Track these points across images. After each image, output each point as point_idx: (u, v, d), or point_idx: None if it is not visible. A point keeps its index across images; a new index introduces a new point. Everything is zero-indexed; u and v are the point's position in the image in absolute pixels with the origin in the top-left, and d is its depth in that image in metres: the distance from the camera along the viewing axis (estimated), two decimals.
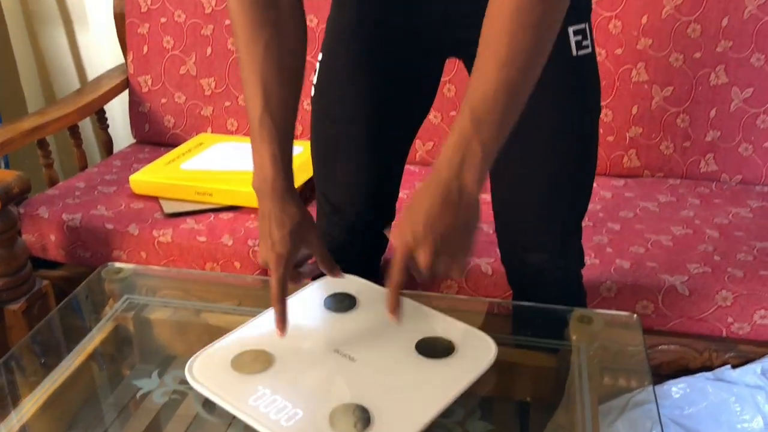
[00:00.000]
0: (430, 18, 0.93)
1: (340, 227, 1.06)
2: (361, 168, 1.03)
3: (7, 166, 1.93)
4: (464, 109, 0.72)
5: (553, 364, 0.95)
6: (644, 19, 1.56)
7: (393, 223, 1.04)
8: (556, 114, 0.91)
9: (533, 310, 1.03)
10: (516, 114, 0.72)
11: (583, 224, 1.03)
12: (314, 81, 1.02)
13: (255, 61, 0.84)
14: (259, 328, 0.91)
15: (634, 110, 1.61)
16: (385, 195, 1.09)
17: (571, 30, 0.88)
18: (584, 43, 0.90)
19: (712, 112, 1.59)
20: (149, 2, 1.82)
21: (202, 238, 1.43)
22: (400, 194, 1.11)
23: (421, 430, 0.76)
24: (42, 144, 1.65)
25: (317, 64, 1.01)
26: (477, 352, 0.88)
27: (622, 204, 1.53)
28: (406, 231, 0.73)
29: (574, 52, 0.89)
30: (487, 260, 1.31)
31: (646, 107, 1.61)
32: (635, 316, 0.98)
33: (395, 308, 0.78)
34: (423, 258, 0.73)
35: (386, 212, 1.11)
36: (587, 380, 0.90)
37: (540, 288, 1.04)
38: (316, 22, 1.71)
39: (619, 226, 1.44)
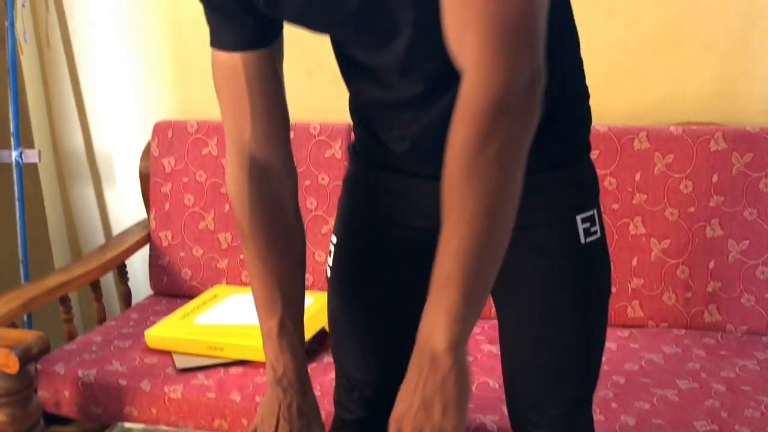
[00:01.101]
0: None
1: (358, 403, 1.06)
2: (378, 347, 1.04)
3: (29, 320, 2.00)
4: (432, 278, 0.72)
5: None
6: (638, 177, 1.64)
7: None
8: (566, 302, 0.92)
9: None
10: (487, 268, 0.70)
11: None
12: (330, 263, 1.05)
13: (272, 270, 0.91)
14: None
15: (634, 262, 1.66)
16: (403, 371, 1.12)
17: (579, 218, 0.90)
18: (593, 229, 0.91)
19: (711, 264, 1.63)
20: (173, 164, 1.95)
21: (211, 394, 1.45)
22: None
23: None
24: (64, 300, 1.72)
25: (331, 246, 1.05)
26: None
27: (627, 356, 1.54)
28: (395, 411, 0.75)
29: (583, 240, 0.90)
30: (492, 417, 1.31)
31: (646, 259, 1.65)
32: None
33: None
34: (408, 430, 0.72)
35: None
36: None
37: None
38: (327, 180, 1.82)
39: (624, 380, 1.44)
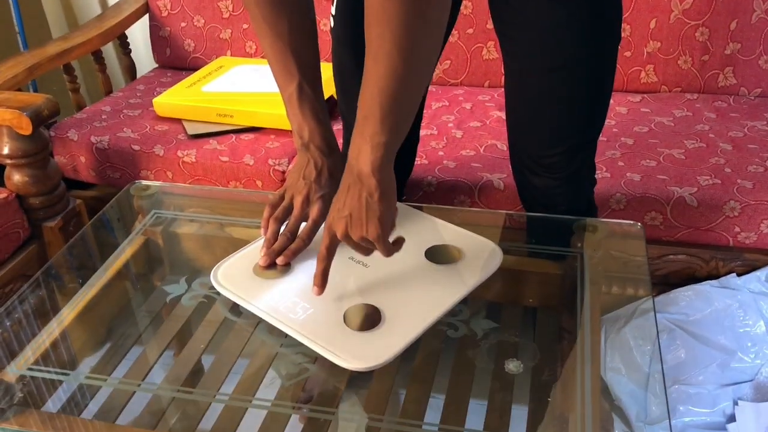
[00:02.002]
0: None
1: None
2: None
3: (34, 90, 1.99)
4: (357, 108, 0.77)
5: (559, 271, 1.00)
6: None
7: None
8: (577, 37, 0.91)
9: (541, 220, 1.07)
10: (405, 103, 0.75)
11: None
12: (332, 11, 1.03)
13: (282, 36, 0.89)
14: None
15: (653, 24, 1.60)
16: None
17: None
18: None
19: (733, 24, 1.57)
20: None
21: (225, 158, 1.47)
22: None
23: (427, 327, 0.82)
24: (68, 69, 1.70)
25: None
26: (483, 258, 0.93)
27: (637, 119, 1.53)
28: (329, 217, 0.83)
29: None
30: (500, 176, 1.34)
31: (665, 21, 1.59)
32: (639, 225, 1.02)
33: (320, 280, 0.84)
34: (339, 233, 0.81)
35: (410, 134, 1.14)
36: (590, 286, 0.94)
37: (550, 207, 1.06)
38: None
39: (632, 141, 1.45)
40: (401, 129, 0.77)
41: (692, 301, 1.28)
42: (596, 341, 0.85)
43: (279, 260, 0.90)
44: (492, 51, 1.69)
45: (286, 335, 0.82)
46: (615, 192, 1.30)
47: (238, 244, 0.97)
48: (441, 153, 1.43)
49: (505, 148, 1.42)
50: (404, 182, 1.22)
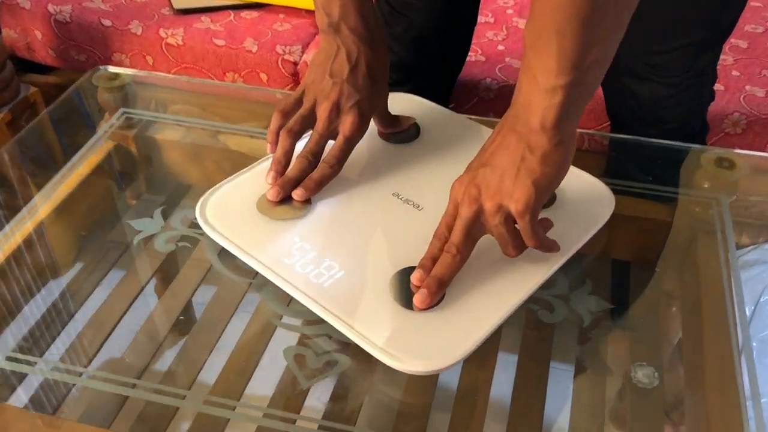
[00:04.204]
0: None
1: (403, 39, 0.87)
2: None
3: None
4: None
5: (668, 218, 0.73)
6: None
7: None
8: None
9: (641, 146, 0.79)
10: (600, 21, 0.48)
11: None
12: None
13: None
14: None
15: None
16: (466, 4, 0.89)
17: None
18: None
19: None
20: None
21: (220, 42, 1.19)
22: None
23: (515, 308, 0.55)
24: None
25: None
26: (588, 202, 0.65)
27: (747, 16, 1.22)
28: (458, 182, 0.56)
29: None
30: None
31: None
32: None
33: (425, 295, 0.54)
34: (467, 204, 0.54)
35: (463, 22, 0.89)
36: (726, 241, 0.67)
37: (653, 124, 0.82)
38: None
39: (746, 44, 1.15)
40: (594, 65, 0.50)
41: None
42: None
43: (296, 194, 0.63)
44: None
45: (302, 306, 0.55)
46: (732, 111, 1.01)
47: (237, 160, 0.71)
48: (501, 47, 1.14)
49: None
50: (452, 83, 0.99)
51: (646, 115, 0.82)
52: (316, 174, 0.64)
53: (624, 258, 0.69)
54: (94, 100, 0.87)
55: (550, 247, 0.57)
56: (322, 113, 0.64)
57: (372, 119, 0.68)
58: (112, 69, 0.89)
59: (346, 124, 0.64)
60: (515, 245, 0.55)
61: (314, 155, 0.64)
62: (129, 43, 1.23)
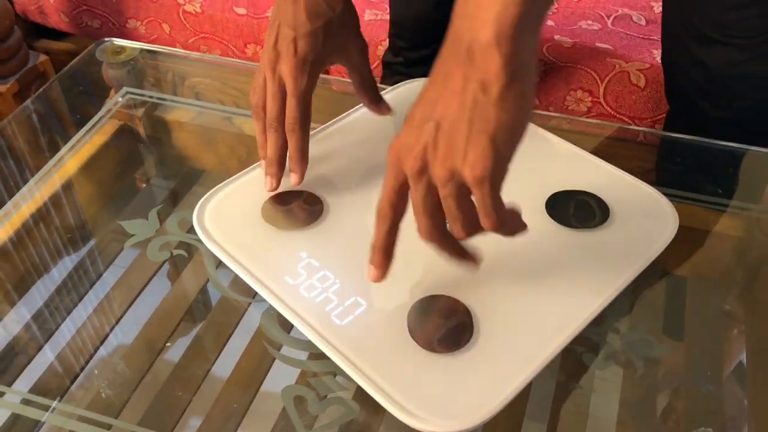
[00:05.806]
0: None
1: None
2: None
3: None
4: None
5: (739, 234, 0.63)
6: None
7: None
8: None
9: (708, 148, 0.67)
10: None
11: None
12: None
13: None
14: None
15: None
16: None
17: None
18: None
19: None
20: None
21: (241, 10, 1.11)
22: None
23: (560, 349, 0.46)
24: None
25: None
26: (649, 219, 0.56)
27: None
28: (399, 136, 0.44)
29: None
30: (640, 65, 0.93)
31: None
32: None
33: (378, 261, 0.47)
34: (409, 164, 0.43)
35: None
36: None
37: (723, 100, 0.72)
38: None
39: None
40: None
41: None
42: None
43: (293, 180, 0.57)
44: None
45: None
46: None
47: (251, 144, 0.60)
48: (550, 23, 1.03)
49: (644, 21, 1.00)
50: None
51: (714, 88, 0.72)
52: (291, 150, 0.56)
53: (682, 274, 0.59)
54: (99, 76, 0.80)
55: (514, 229, 0.44)
56: (267, 74, 0.56)
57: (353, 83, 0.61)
58: (117, 42, 0.81)
59: (284, 71, 0.55)
60: (465, 223, 0.42)
61: (278, 120, 0.56)
62: (144, 9, 1.16)
